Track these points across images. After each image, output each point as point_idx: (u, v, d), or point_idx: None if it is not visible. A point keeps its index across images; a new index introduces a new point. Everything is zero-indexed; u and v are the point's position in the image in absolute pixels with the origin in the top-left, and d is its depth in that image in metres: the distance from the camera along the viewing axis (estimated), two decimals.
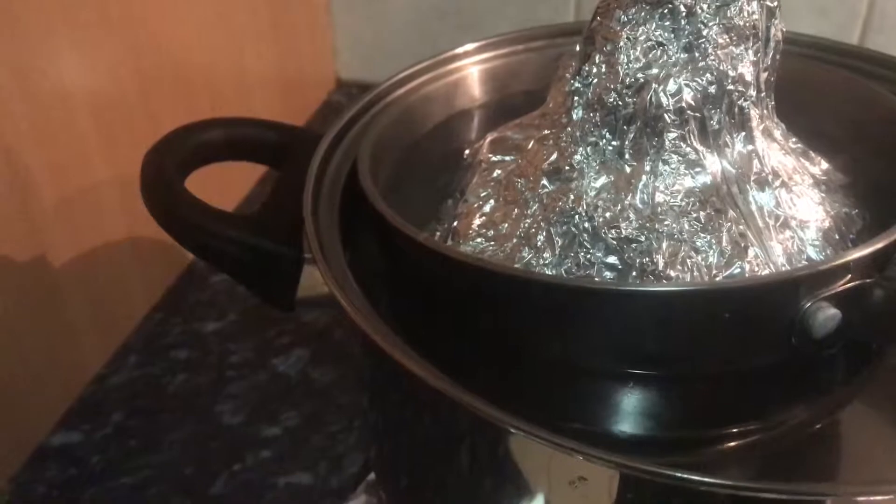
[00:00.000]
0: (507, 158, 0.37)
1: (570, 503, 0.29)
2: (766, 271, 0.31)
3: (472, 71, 0.43)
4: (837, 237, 0.33)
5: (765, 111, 0.34)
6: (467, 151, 0.38)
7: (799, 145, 0.36)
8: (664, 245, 0.31)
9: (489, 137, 0.38)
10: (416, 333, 0.32)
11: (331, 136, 0.38)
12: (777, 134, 0.35)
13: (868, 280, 0.29)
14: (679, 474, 0.24)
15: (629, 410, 0.31)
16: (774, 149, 0.34)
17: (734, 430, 0.31)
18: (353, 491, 0.44)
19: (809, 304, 0.28)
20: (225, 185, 0.63)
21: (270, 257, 0.34)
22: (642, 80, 0.32)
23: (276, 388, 0.52)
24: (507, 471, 0.30)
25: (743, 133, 0.33)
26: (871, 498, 0.25)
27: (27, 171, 0.45)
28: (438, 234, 0.36)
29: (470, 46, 0.43)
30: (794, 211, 0.33)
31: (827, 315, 0.28)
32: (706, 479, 0.25)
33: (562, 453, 0.26)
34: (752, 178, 0.33)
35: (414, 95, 0.41)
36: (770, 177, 0.33)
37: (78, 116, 0.49)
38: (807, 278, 0.29)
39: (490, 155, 0.37)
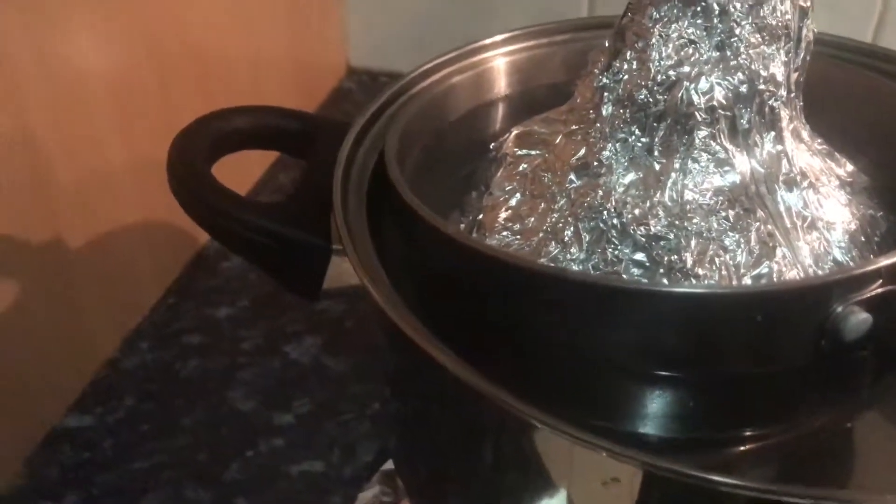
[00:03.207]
0: (534, 153, 0.37)
1: (594, 501, 0.29)
2: (794, 272, 0.31)
3: (497, 63, 0.43)
4: (863, 239, 0.33)
5: (794, 112, 0.34)
6: (493, 145, 0.38)
7: (825, 146, 0.36)
8: (693, 243, 0.31)
9: (515, 131, 0.38)
10: (441, 325, 0.32)
11: (358, 126, 0.38)
12: (804, 135, 0.35)
13: None
14: (712, 477, 0.25)
15: (653, 410, 0.31)
16: (802, 150, 0.34)
17: (756, 433, 0.31)
18: (367, 480, 0.44)
19: (841, 308, 0.28)
20: (237, 171, 0.63)
21: (299, 247, 0.34)
22: (674, 77, 0.32)
23: (288, 375, 0.52)
24: (532, 466, 0.30)
25: (773, 133, 0.33)
26: None
27: (45, 153, 0.45)
28: (463, 225, 0.36)
29: (496, 38, 0.42)
30: (821, 212, 0.33)
31: (859, 319, 0.28)
32: (732, 482, 0.25)
33: (589, 451, 0.26)
34: (781, 179, 0.33)
35: (440, 86, 0.41)
36: (798, 177, 0.33)
37: (95, 99, 0.49)
38: (840, 283, 0.29)
39: (516, 149, 0.37)
